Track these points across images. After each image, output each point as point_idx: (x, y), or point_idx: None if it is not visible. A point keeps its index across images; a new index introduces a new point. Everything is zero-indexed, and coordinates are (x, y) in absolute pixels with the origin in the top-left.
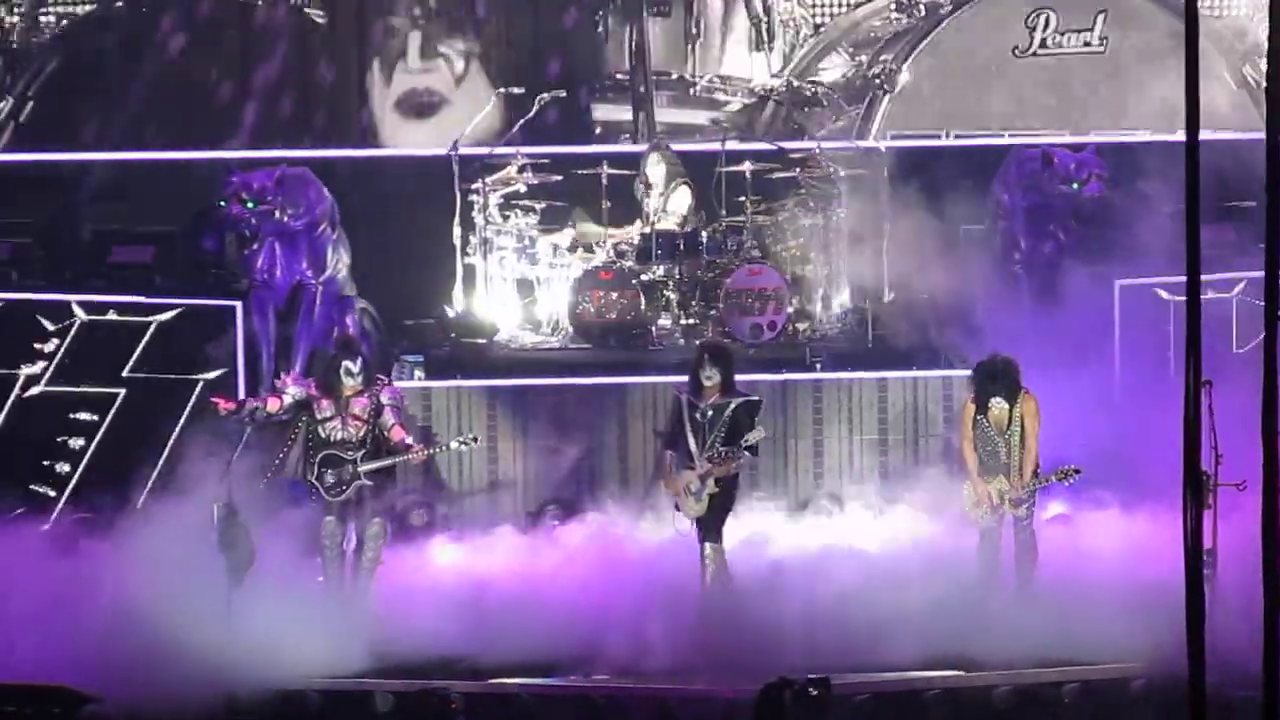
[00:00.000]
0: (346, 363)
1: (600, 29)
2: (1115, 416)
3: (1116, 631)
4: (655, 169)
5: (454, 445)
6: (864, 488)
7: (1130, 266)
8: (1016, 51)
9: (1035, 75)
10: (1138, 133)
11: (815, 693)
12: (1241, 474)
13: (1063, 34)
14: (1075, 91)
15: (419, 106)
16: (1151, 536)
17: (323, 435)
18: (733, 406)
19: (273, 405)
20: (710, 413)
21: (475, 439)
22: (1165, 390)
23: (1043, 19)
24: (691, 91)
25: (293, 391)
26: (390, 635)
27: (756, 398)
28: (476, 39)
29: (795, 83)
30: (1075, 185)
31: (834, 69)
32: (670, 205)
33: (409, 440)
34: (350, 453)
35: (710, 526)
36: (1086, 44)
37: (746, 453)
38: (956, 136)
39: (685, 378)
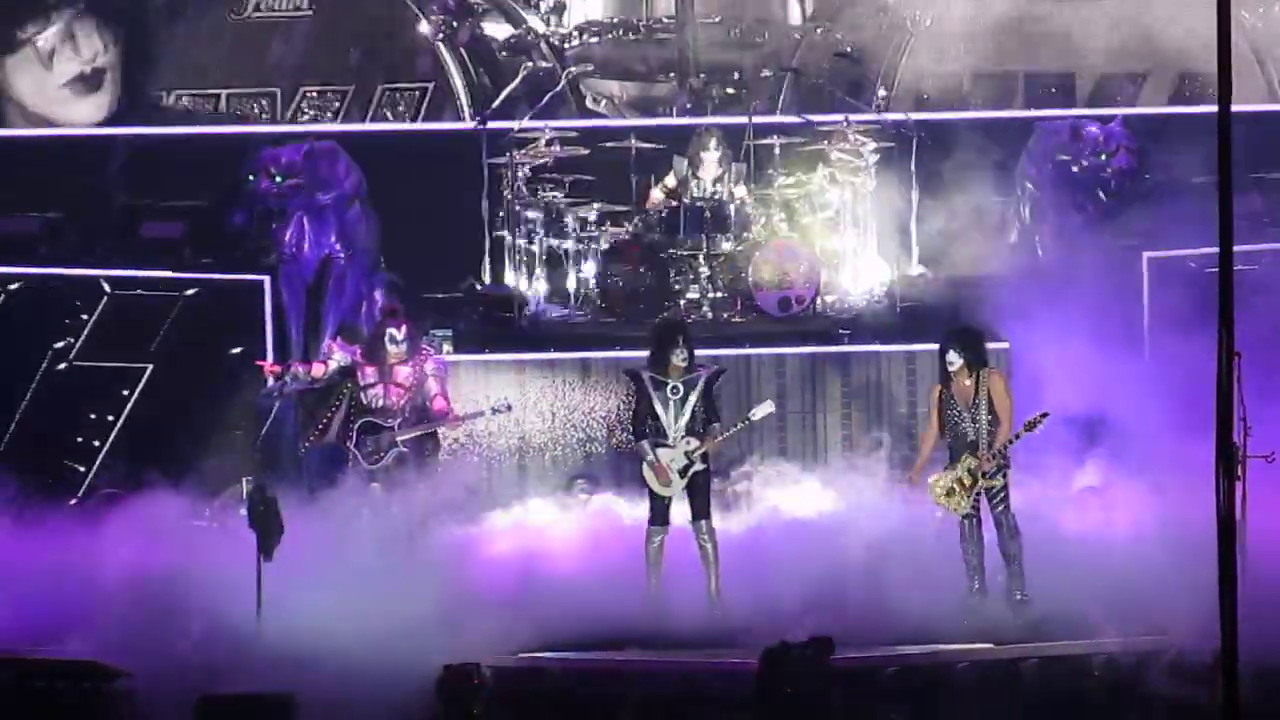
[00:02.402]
0: (391, 330)
1: None
2: (1143, 387)
3: (1146, 603)
4: (712, 154)
5: (489, 412)
6: (891, 460)
7: (1158, 239)
8: None
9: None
10: (1166, 107)
11: (812, 653)
12: (1270, 446)
13: None
14: (1074, 35)
15: None
16: (1182, 508)
17: (364, 402)
18: (703, 379)
19: (317, 370)
20: (681, 389)
21: (509, 405)
22: (1194, 362)
23: None
24: (731, 34)
25: (337, 357)
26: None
27: (721, 367)
28: None
29: (827, 25)
30: (1103, 157)
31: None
32: (729, 184)
33: (452, 409)
34: (389, 420)
35: (701, 504)
36: None
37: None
38: (978, 79)
39: (711, 351)
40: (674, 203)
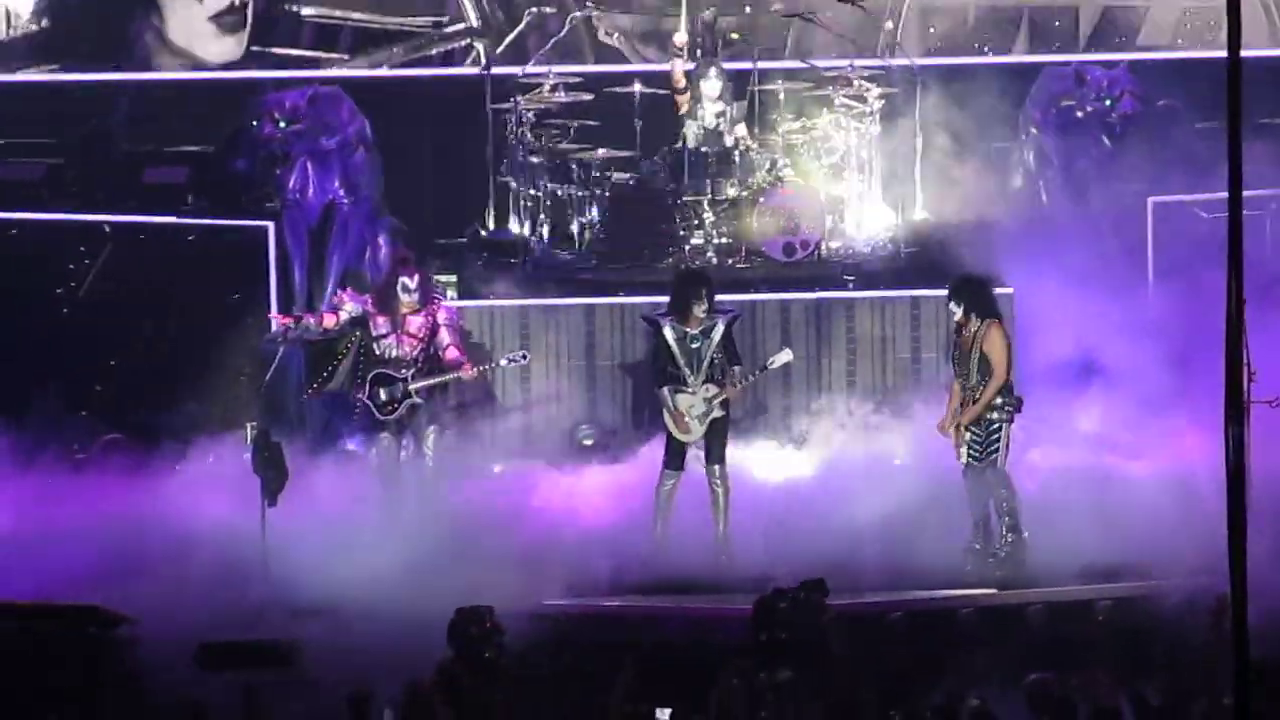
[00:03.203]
0: (404, 279)
1: None
2: (1147, 332)
3: (1154, 547)
4: (713, 83)
5: (503, 363)
6: (897, 405)
7: (1163, 183)
8: None
9: None
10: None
11: (805, 597)
12: (1272, 392)
13: None
14: None
15: None
16: (1188, 453)
17: (377, 353)
18: (720, 327)
19: (329, 321)
20: (700, 337)
21: (525, 355)
22: (1199, 306)
23: None
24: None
25: (349, 308)
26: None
27: (737, 311)
28: None
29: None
30: (1108, 102)
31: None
32: (729, 120)
33: (463, 360)
34: (402, 371)
35: (717, 449)
36: None
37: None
38: (981, 15)
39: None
40: (690, 66)
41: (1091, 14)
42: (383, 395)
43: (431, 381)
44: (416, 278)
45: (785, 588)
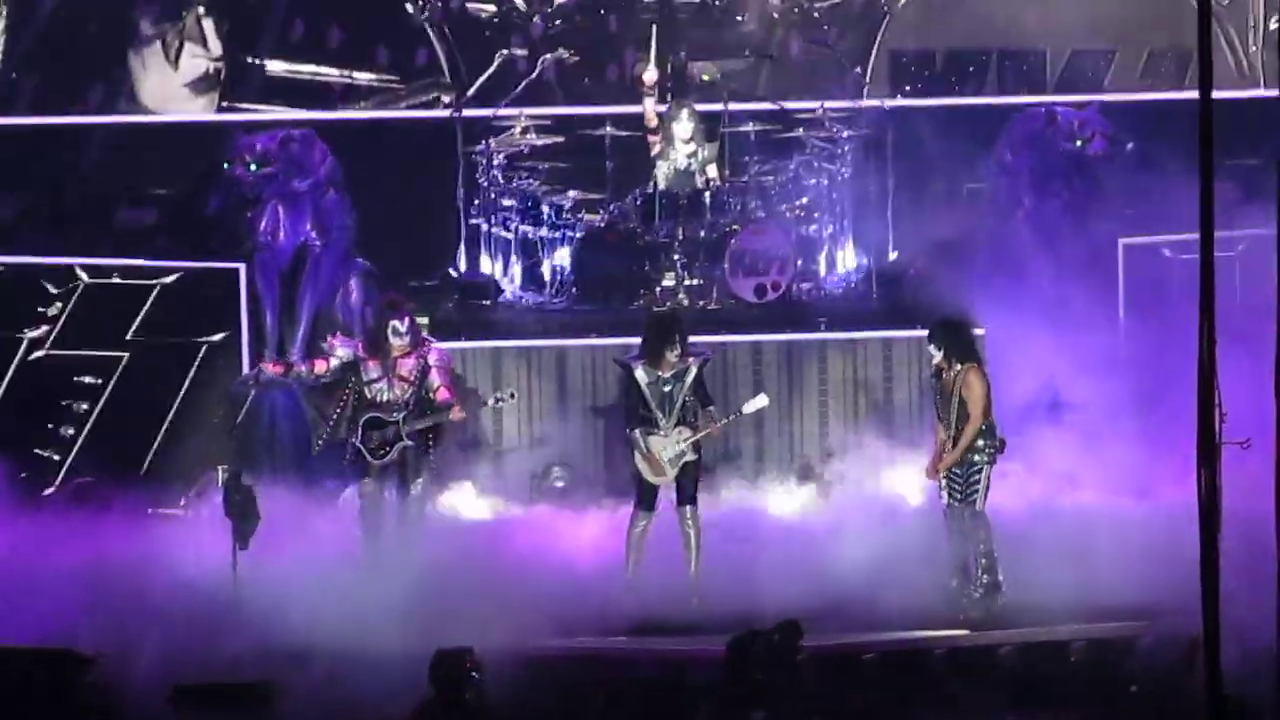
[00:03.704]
0: (394, 322)
1: None
2: (1118, 373)
3: (1123, 587)
4: (685, 125)
5: (492, 403)
6: (868, 448)
7: (1134, 224)
8: None
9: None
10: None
11: (783, 640)
12: (1244, 432)
13: None
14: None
15: None
16: (1158, 494)
17: (369, 396)
18: (693, 370)
19: (319, 368)
20: (672, 381)
21: (514, 394)
22: (1169, 348)
23: None
24: (712, 12)
25: (340, 353)
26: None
27: (708, 353)
28: None
29: (805, 4)
30: (1079, 143)
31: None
32: (700, 161)
33: (454, 401)
34: (394, 414)
35: (688, 490)
36: None
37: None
38: (948, 62)
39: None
40: (662, 108)
41: (1058, 57)
42: (375, 439)
43: (424, 423)
44: (406, 320)
45: (760, 629)
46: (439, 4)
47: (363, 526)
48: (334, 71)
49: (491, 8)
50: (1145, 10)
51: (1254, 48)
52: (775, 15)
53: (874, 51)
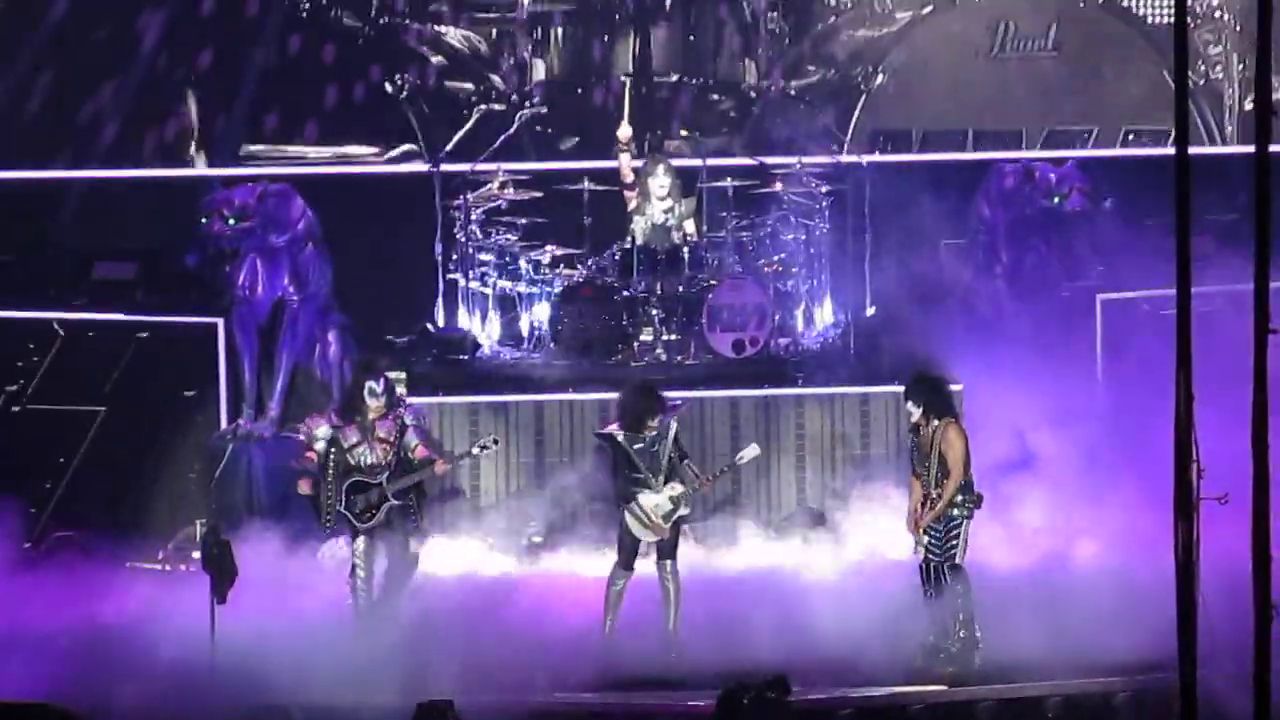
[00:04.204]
0: (370, 383)
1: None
2: (1096, 429)
3: (1101, 640)
4: (661, 180)
5: (476, 451)
6: (847, 503)
7: (1111, 280)
8: (980, 54)
9: (997, 75)
10: (1119, 148)
11: (773, 695)
12: (1222, 487)
13: (1021, 40)
14: (1032, 90)
15: None
16: (1134, 547)
17: (351, 462)
18: (673, 426)
19: (310, 457)
20: (656, 439)
21: (496, 441)
22: (1147, 403)
23: (1002, 25)
24: (688, 92)
25: (320, 433)
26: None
27: (679, 401)
28: None
29: (782, 84)
30: (1057, 199)
31: (814, 73)
32: (677, 216)
33: (434, 456)
34: (376, 475)
35: (669, 546)
36: (1041, 48)
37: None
38: (926, 134)
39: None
40: (627, 245)
41: (1035, 136)
42: (360, 503)
43: (407, 481)
44: (383, 382)
45: (749, 684)
46: (417, 82)
47: (353, 585)
48: (311, 151)
49: (469, 85)
50: (1123, 93)
51: (1230, 128)
52: (752, 94)
53: (850, 129)
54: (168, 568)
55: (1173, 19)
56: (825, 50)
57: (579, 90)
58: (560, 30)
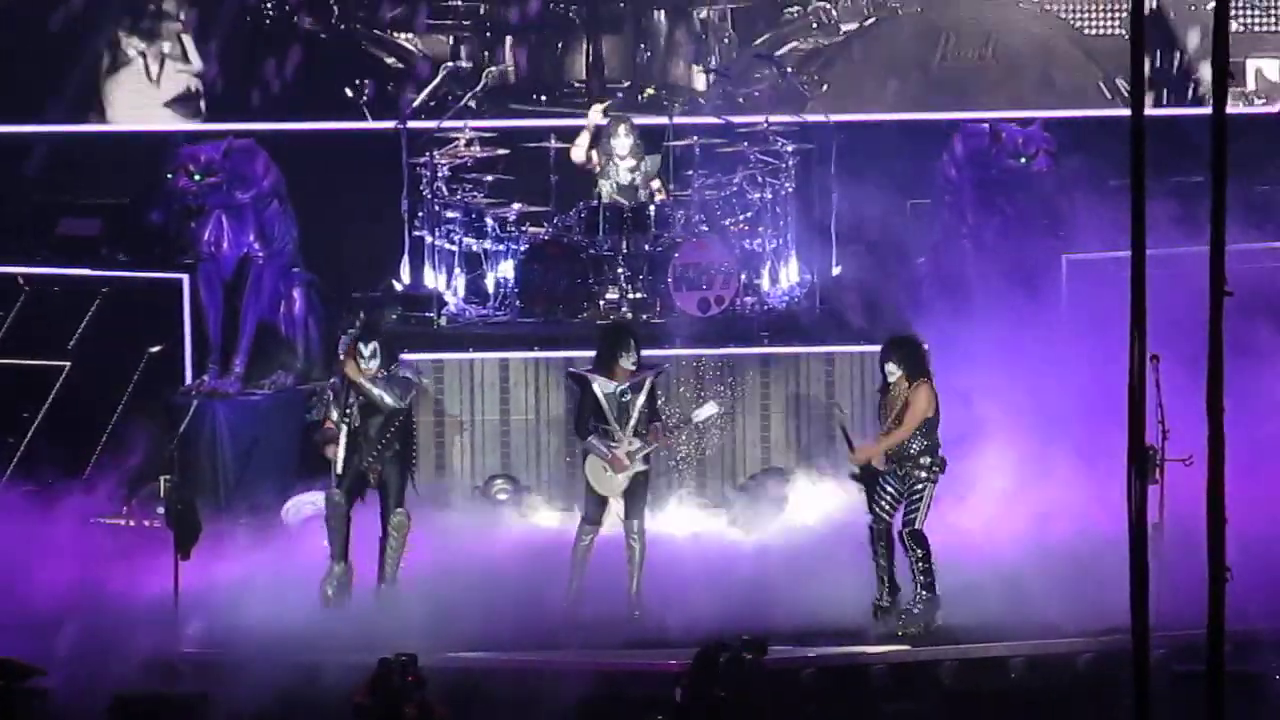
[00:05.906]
0: (362, 346)
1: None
2: (1062, 389)
3: (1063, 601)
4: (623, 140)
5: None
6: (811, 462)
7: (1077, 240)
8: (922, 64)
9: (937, 80)
10: (1085, 109)
11: (750, 656)
12: (1189, 448)
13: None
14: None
15: None
16: (1100, 510)
17: (355, 425)
18: (649, 382)
19: (333, 451)
20: (628, 392)
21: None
22: (1112, 363)
23: (943, 38)
24: (639, 99)
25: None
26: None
27: (662, 366)
28: None
29: (730, 90)
30: (1023, 160)
31: (763, 80)
32: (642, 175)
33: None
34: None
35: (637, 505)
36: (981, 57)
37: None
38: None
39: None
40: (594, 203)
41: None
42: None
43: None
44: (373, 345)
45: (727, 641)
46: (375, 86)
47: (328, 533)
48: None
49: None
50: (1076, 83)
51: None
52: (702, 101)
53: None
54: (131, 523)
55: (1113, 31)
56: (774, 58)
57: (536, 96)
58: (515, 38)
